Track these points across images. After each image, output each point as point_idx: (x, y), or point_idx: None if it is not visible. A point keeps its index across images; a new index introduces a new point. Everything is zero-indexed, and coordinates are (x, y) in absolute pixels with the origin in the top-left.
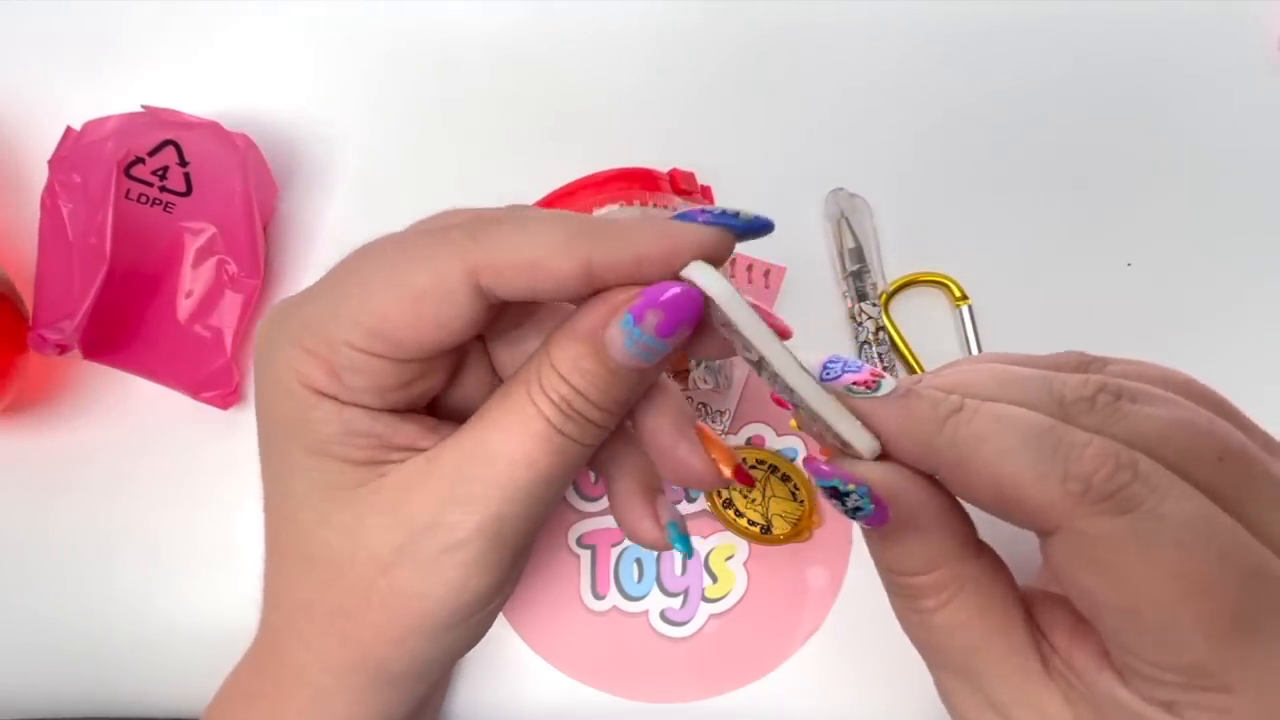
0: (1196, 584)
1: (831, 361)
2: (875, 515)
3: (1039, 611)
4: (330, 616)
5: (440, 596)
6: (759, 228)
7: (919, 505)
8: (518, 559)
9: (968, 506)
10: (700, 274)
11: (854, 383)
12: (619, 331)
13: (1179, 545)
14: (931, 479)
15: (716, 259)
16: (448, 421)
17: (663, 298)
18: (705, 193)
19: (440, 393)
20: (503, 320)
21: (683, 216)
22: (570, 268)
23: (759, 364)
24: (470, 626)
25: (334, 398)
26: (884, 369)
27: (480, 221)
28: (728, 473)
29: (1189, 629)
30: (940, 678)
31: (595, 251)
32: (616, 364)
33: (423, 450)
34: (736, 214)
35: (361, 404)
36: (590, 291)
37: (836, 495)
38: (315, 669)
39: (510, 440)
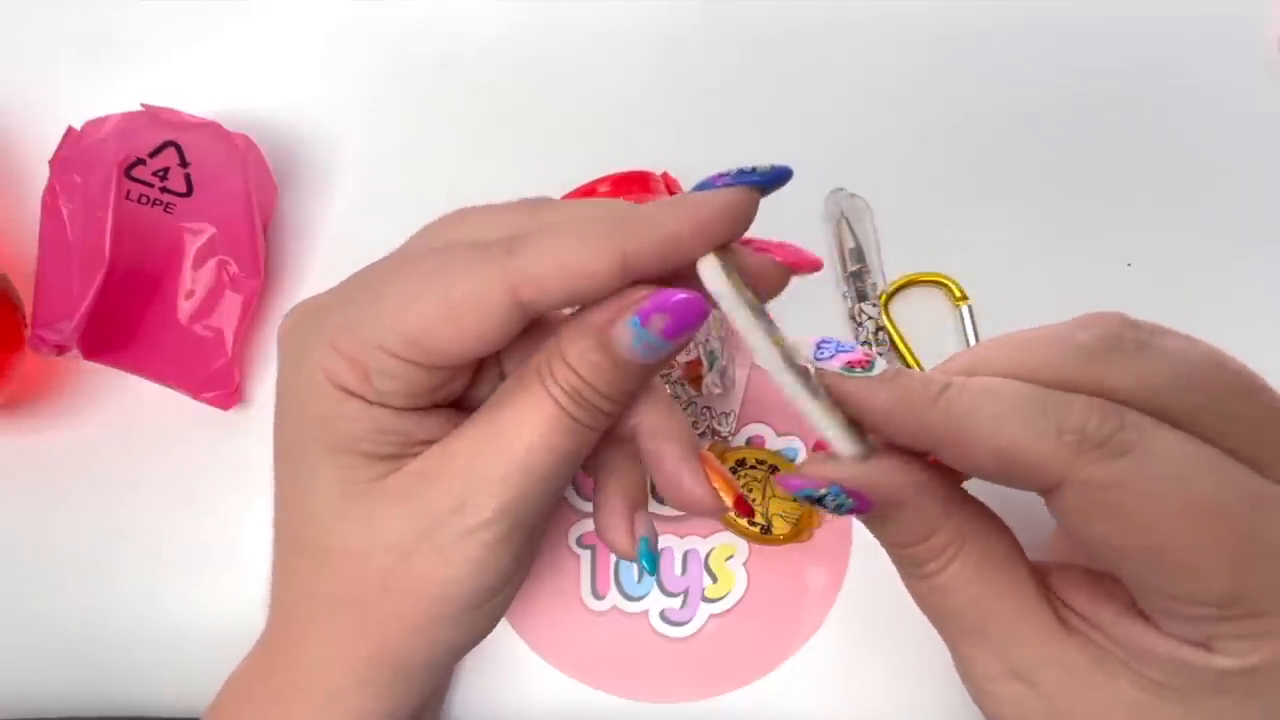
0: (1209, 513)
1: (824, 342)
2: (858, 506)
3: (1053, 580)
4: (349, 608)
5: (461, 578)
6: (779, 177)
7: (895, 486)
8: (534, 539)
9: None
10: (708, 271)
11: (849, 362)
12: (626, 330)
13: (1181, 480)
14: (901, 457)
15: (745, 219)
16: (467, 414)
17: (670, 302)
18: None
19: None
20: None
21: (701, 186)
22: (607, 267)
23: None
24: (487, 611)
25: (362, 398)
26: None
27: (514, 237)
28: (729, 502)
29: (1213, 558)
30: (957, 648)
31: (628, 244)
32: (622, 359)
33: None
34: (754, 169)
35: (389, 405)
36: (629, 283)
37: (815, 500)
38: (332, 664)
39: (526, 424)
